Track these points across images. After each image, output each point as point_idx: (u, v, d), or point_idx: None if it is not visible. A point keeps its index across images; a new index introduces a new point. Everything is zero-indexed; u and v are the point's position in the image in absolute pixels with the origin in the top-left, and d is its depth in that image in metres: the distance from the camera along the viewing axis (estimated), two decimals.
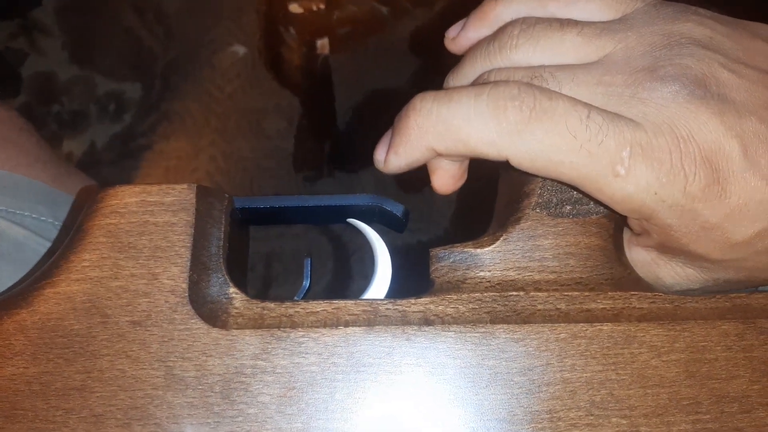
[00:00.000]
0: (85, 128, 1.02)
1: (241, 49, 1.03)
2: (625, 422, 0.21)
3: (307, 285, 0.25)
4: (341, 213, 0.26)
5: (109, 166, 0.98)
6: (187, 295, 0.22)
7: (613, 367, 0.21)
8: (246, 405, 0.21)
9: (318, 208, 0.26)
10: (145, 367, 0.21)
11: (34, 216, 0.30)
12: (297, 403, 0.21)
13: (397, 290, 0.25)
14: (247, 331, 0.21)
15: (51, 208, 0.30)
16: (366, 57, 0.94)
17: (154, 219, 0.23)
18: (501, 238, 0.24)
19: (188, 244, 0.22)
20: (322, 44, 0.64)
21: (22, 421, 0.20)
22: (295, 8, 0.64)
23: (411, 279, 0.27)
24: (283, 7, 0.66)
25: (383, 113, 0.95)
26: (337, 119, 0.91)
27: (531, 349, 0.21)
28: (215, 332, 0.21)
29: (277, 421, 0.21)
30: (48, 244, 0.30)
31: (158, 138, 0.99)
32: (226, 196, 0.24)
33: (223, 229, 0.23)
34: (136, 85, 1.04)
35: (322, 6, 0.63)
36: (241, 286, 0.23)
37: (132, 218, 0.22)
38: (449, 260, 0.24)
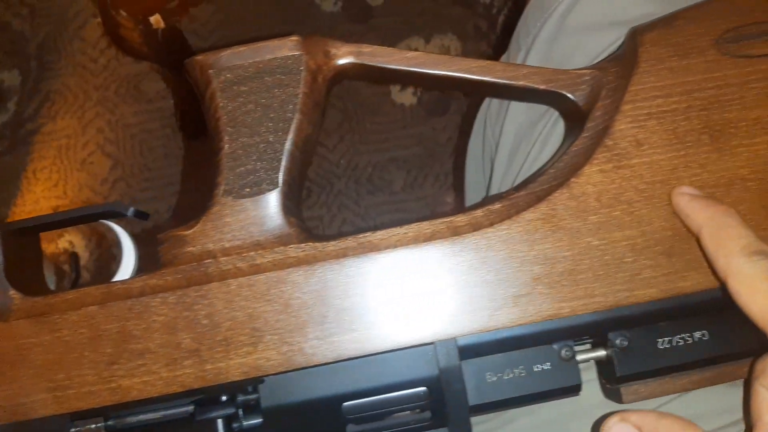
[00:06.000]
0: None
1: None
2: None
3: None
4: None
5: (4, 156, 1.04)
6: None
7: (271, 299, 0.31)
8: None
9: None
10: None
11: None
12: None
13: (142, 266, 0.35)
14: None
15: None
16: (207, 18, 1.00)
17: None
18: (199, 222, 0.33)
19: None
20: (155, 20, 0.69)
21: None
22: None
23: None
24: None
25: None
26: None
27: (217, 300, 0.31)
28: None
29: None
30: None
31: (45, 120, 1.05)
32: None
33: None
34: (13, 72, 1.08)
35: None
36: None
37: None
38: (167, 243, 0.34)
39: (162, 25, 0.70)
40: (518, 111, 0.45)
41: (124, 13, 0.68)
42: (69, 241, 0.88)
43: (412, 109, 1.05)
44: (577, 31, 0.42)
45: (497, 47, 1.09)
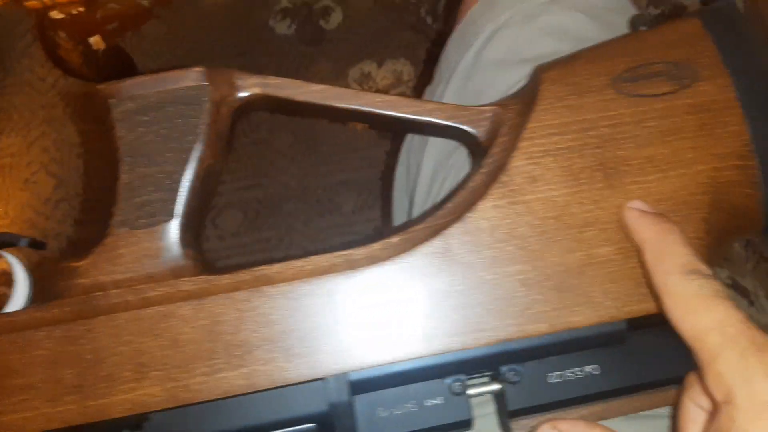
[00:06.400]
0: None
1: None
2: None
3: None
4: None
5: None
6: None
7: (159, 334, 0.31)
8: None
9: None
10: None
11: None
12: None
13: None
14: None
15: None
16: (157, 38, 1.00)
17: None
18: (92, 254, 0.33)
19: None
20: (96, 41, 0.69)
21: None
22: (56, 14, 0.69)
23: None
24: (45, 14, 0.71)
25: None
26: None
27: (103, 334, 0.31)
28: None
29: None
30: None
31: None
32: None
33: None
34: None
35: (81, 9, 0.67)
36: None
37: None
38: (59, 274, 0.33)
39: (102, 45, 0.70)
40: (437, 142, 0.45)
41: (63, 34, 0.67)
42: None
43: (363, 132, 1.06)
44: (490, 66, 0.42)
45: None
